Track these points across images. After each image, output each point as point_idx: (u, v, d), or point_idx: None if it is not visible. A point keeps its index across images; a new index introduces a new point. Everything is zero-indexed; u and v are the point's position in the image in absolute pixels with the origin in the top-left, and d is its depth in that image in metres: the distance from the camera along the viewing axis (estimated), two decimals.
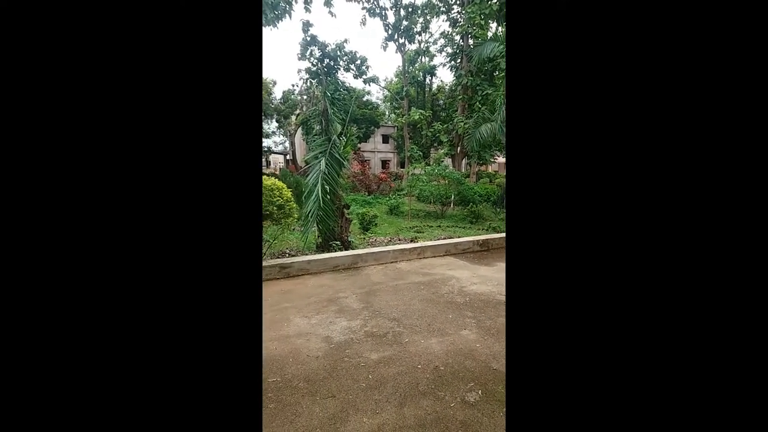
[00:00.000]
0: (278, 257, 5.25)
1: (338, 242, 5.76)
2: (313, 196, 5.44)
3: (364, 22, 23.62)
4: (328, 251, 5.59)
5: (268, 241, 5.58)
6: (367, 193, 14.53)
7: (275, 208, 4.87)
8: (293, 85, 18.24)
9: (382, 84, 23.41)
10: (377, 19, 11.67)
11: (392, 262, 5.40)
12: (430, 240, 6.63)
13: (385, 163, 28.67)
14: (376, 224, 7.65)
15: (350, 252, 5.42)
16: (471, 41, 15.31)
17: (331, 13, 14.31)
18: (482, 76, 15.28)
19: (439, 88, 23.99)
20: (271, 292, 4.06)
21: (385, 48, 19.25)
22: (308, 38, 18.15)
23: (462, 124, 14.53)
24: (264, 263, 4.66)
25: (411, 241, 6.63)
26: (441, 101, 22.38)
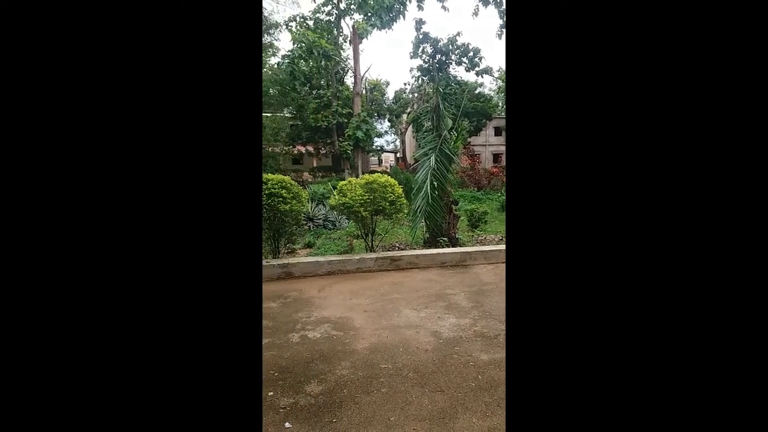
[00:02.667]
0: (389, 250, 5.49)
1: (445, 238, 5.73)
2: (422, 192, 5.51)
3: (476, 12, 22.75)
4: (435, 247, 5.61)
5: (380, 234, 5.88)
6: (476, 189, 14.06)
7: (387, 203, 5.10)
8: (405, 84, 18.75)
9: (496, 74, 22.24)
10: (491, 6, 11.07)
11: (503, 262, 5.13)
12: None
13: (497, 157, 27.25)
14: (485, 221, 7.35)
15: (458, 249, 5.34)
16: None
17: (444, 7, 14.19)
18: None
19: None
20: (382, 283, 4.28)
21: (500, 36, 18.21)
22: (421, 36, 18.37)
23: None
24: (376, 255, 4.94)
25: None
26: None
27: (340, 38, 16.43)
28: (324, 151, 18.01)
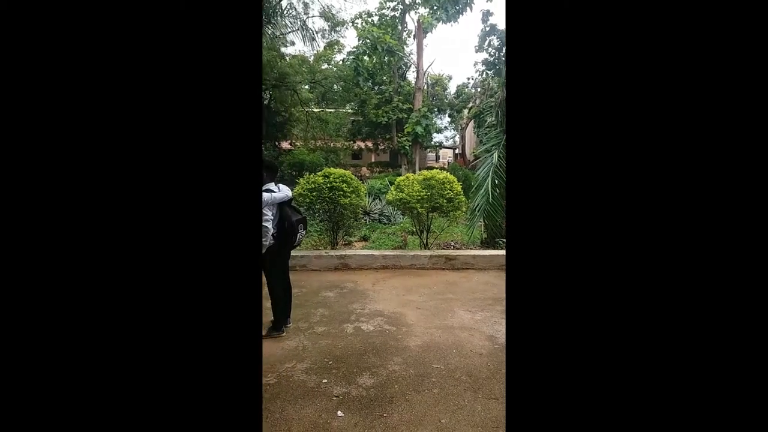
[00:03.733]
0: (444, 248, 5.39)
1: (504, 240, 5.47)
2: (482, 190, 5.31)
3: None
4: (494, 248, 5.38)
5: (436, 231, 5.79)
6: None
7: (445, 200, 5.00)
8: (468, 79, 18.20)
9: None
10: None
11: None
12: None
13: None
14: None
15: None
16: None
17: None
18: None
19: None
20: (436, 281, 4.22)
21: None
22: (487, 28, 17.65)
23: None
24: (431, 252, 4.87)
25: None
26: None
27: (404, 33, 16.38)
28: (382, 147, 18.18)
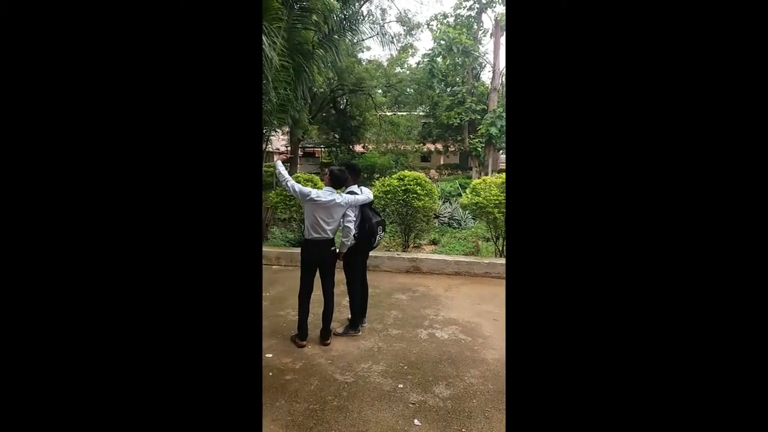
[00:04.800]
0: None
1: None
2: None
3: None
4: None
5: None
6: None
7: None
8: None
9: None
10: None
11: None
12: None
13: None
14: None
15: None
16: None
17: None
18: None
19: None
20: None
21: None
22: None
23: None
24: None
25: None
26: None
27: (480, 33, 15.91)
28: (453, 149, 17.84)
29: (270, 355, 2.57)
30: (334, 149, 16.15)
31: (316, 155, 20.76)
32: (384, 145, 16.84)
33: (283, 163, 2.93)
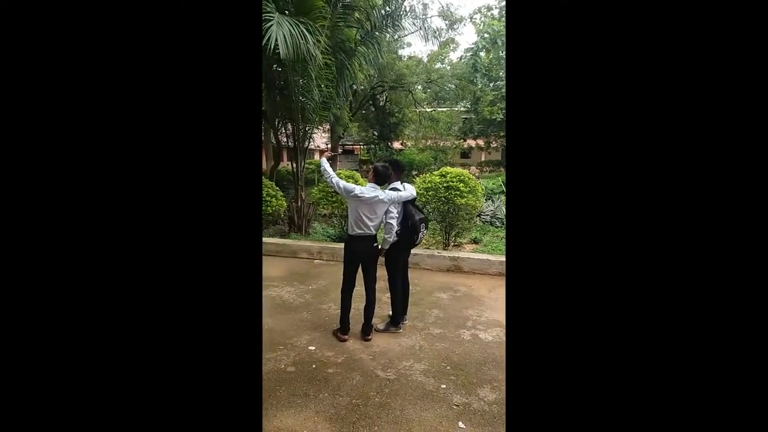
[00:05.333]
0: None
1: None
2: None
3: None
4: None
5: None
6: None
7: None
8: None
9: None
10: None
11: None
12: None
13: None
14: None
15: None
16: None
17: None
18: None
19: None
20: None
21: None
22: None
23: None
24: None
25: None
26: None
27: None
28: (495, 145, 17.33)
29: (313, 348, 2.62)
30: (372, 146, 16.24)
31: (355, 152, 21.00)
32: (423, 141, 16.68)
33: (327, 160, 2.96)
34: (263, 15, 4.23)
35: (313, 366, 2.38)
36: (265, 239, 5.26)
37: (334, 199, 5.37)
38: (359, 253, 2.70)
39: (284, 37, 4.15)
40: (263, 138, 13.93)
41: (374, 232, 2.69)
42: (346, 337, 2.73)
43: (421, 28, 8.32)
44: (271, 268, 4.47)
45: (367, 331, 2.75)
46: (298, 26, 4.34)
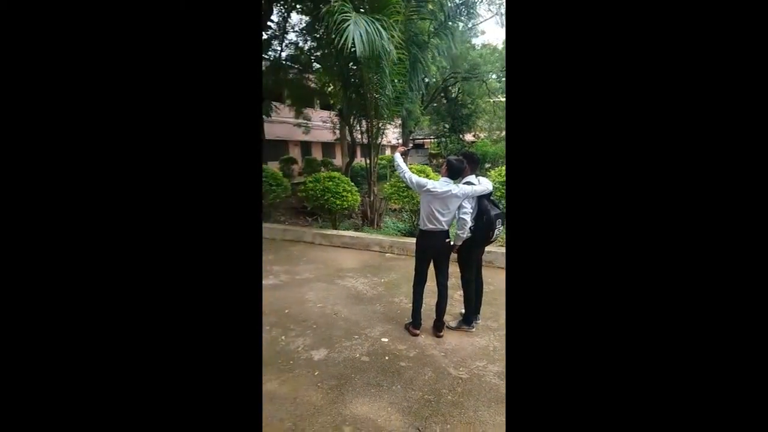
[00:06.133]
0: None
1: None
2: None
3: None
4: None
5: None
6: None
7: None
8: None
9: None
10: None
11: None
12: None
13: None
14: None
15: None
16: None
17: None
18: None
19: None
20: None
21: None
22: None
23: None
24: None
25: None
26: None
27: None
28: None
29: (386, 340, 2.68)
30: (443, 139, 15.94)
31: (425, 146, 20.83)
32: (497, 132, 15.93)
33: (401, 155, 2.98)
34: (341, 15, 4.38)
35: (386, 358, 2.44)
36: (340, 232, 5.52)
37: (405, 194, 5.41)
38: (431, 249, 2.69)
39: (360, 35, 4.26)
40: (339, 135, 14.52)
41: (446, 227, 2.65)
42: (417, 331, 2.74)
43: (497, 14, 7.90)
44: (346, 259, 4.68)
45: (438, 327, 2.74)
46: (374, 23, 4.41)
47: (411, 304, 2.81)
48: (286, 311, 3.18)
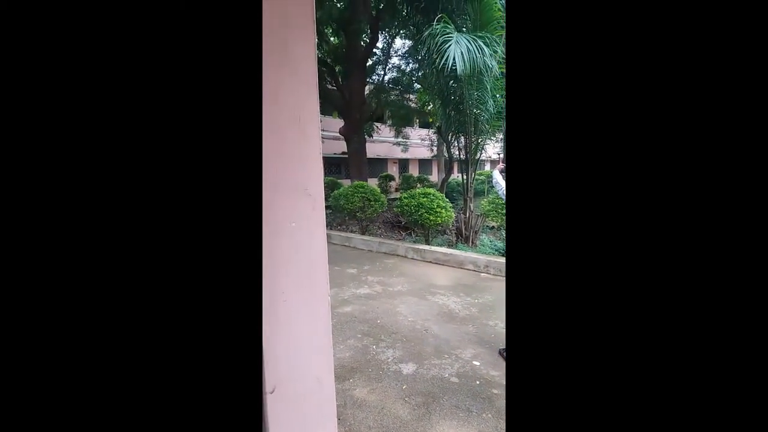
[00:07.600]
0: None
1: None
2: None
3: None
4: None
5: None
6: None
7: None
8: None
9: None
10: None
11: None
12: None
13: None
14: None
15: None
16: None
17: None
18: None
19: None
20: None
21: None
22: None
23: None
24: None
25: None
26: None
27: None
28: None
29: (477, 363, 2.56)
30: None
31: None
32: None
33: (500, 172, 2.88)
34: (443, 37, 4.49)
35: (477, 382, 2.33)
36: (432, 247, 5.50)
37: (504, 211, 5.15)
38: None
39: (462, 54, 4.29)
40: (436, 151, 14.61)
41: None
42: None
43: None
44: (437, 275, 4.64)
45: None
46: (475, 41, 4.41)
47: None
48: (378, 321, 3.28)
